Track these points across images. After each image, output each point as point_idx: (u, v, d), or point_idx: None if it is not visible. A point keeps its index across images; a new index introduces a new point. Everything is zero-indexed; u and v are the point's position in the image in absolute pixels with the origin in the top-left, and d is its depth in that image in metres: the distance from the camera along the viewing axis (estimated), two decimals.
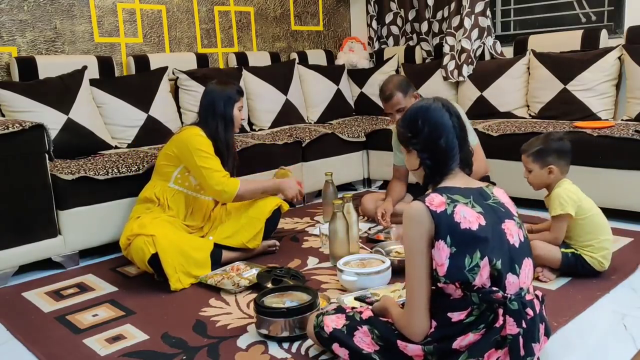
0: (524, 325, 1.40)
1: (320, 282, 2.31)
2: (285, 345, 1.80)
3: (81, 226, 2.69)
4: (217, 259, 2.48)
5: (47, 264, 2.63)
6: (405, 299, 1.50)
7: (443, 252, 1.39)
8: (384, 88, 2.78)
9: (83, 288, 2.40)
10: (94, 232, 2.73)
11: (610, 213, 2.90)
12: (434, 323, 1.46)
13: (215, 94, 2.60)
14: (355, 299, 2.00)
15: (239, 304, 2.14)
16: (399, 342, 1.49)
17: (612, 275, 2.22)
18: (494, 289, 1.41)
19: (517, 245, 1.46)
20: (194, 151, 2.45)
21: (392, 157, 3.12)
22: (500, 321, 1.41)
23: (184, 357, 1.76)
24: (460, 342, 1.42)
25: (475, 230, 1.40)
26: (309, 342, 1.79)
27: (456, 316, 1.43)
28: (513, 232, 1.47)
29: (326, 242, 2.68)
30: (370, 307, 1.70)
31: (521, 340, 1.40)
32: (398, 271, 2.26)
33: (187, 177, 2.55)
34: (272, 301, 1.90)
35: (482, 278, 1.40)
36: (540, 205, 2.48)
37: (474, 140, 2.76)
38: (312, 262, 2.57)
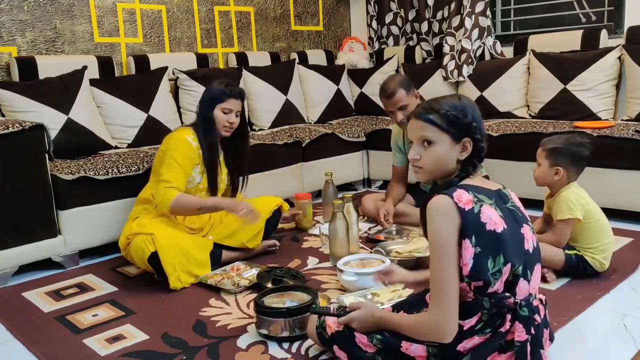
0: (532, 331, 1.40)
1: (320, 282, 2.31)
2: (285, 345, 1.80)
3: (81, 226, 2.69)
4: (217, 259, 2.48)
5: (47, 264, 2.63)
6: (433, 299, 1.40)
7: (468, 252, 1.36)
8: (385, 86, 2.77)
9: (83, 288, 2.40)
10: (94, 232, 2.73)
11: (610, 213, 2.90)
12: None
13: (204, 94, 2.56)
14: (316, 312, 1.70)
15: (239, 304, 2.14)
16: (403, 343, 1.47)
17: (612, 275, 2.22)
18: (507, 294, 1.40)
19: (530, 250, 1.45)
20: (167, 155, 2.42)
21: (392, 157, 3.11)
22: (507, 326, 1.40)
23: (184, 357, 1.76)
24: (465, 344, 1.41)
25: (500, 232, 1.38)
26: (309, 342, 1.79)
27: (467, 323, 1.41)
28: (528, 238, 1.46)
29: (326, 242, 2.68)
30: (337, 319, 1.60)
31: (529, 347, 1.39)
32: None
33: None
34: (272, 301, 1.90)
35: (500, 283, 1.40)
36: (538, 205, 2.48)
37: None
38: (312, 262, 2.57)
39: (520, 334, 1.39)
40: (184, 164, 2.42)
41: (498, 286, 1.39)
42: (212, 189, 2.54)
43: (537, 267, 1.48)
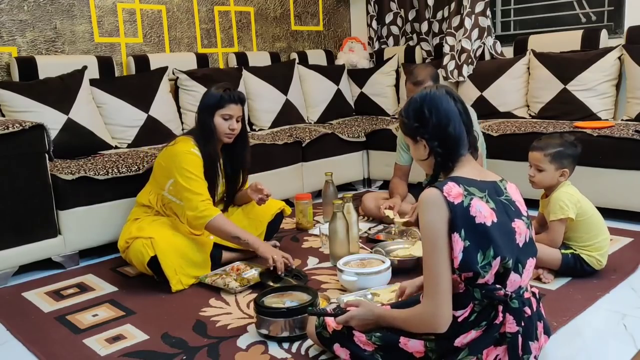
0: (522, 323, 1.41)
1: (320, 282, 2.31)
2: (285, 345, 1.80)
3: (81, 226, 2.69)
4: (217, 259, 2.47)
5: (47, 264, 2.63)
6: (426, 290, 1.42)
7: (458, 245, 1.37)
8: (417, 72, 2.76)
9: (83, 288, 2.40)
10: (94, 232, 2.73)
11: (610, 213, 2.91)
12: None
13: (203, 100, 2.45)
14: (313, 313, 1.72)
15: (239, 304, 2.14)
16: (402, 338, 1.48)
17: (612, 275, 2.23)
18: (497, 286, 1.41)
19: (521, 245, 1.46)
20: (178, 170, 2.34)
21: (396, 155, 3.11)
22: (500, 318, 1.41)
23: (184, 357, 1.76)
24: (462, 339, 1.42)
25: (489, 226, 1.38)
26: (309, 342, 1.79)
27: (460, 314, 1.42)
28: (521, 232, 1.46)
29: (326, 242, 2.68)
30: (335, 319, 1.61)
31: (520, 338, 1.40)
32: (398, 271, 2.26)
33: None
34: (272, 301, 1.90)
35: (490, 275, 1.40)
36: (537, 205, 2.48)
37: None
38: (312, 262, 2.57)
39: (511, 325, 1.40)
40: (201, 175, 2.37)
41: (488, 277, 1.40)
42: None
43: (530, 261, 1.48)
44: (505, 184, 1.53)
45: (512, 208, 1.48)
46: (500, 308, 1.41)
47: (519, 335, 1.40)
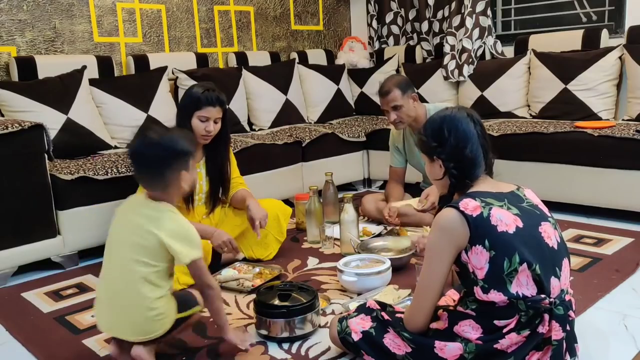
0: (567, 328, 1.39)
1: (320, 282, 2.30)
2: (285, 345, 1.79)
3: (80, 226, 2.68)
4: (217, 260, 2.46)
5: (46, 264, 2.63)
6: (414, 294, 1.51)
7: (482, 257, 1.37)
8: (382, 85, 2.78)
9: (82, 288, 2.40)
10: (94, 232, 2.71)
11: (611, 213, 2.91)
12: (479, 328, 1.42)
13: (181, 100, 2.43)
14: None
15: (238, 304, 2.13)
16: (437, 342, 1.46)
17: (613, 275, 2.22)
18: (542, 296, 1.39)
19: (555, 247, 1.44)
20: None
21: (390, 158, 3.10)
22: (546, 327, 1.38)
23: (184, 358, 1.76)
24: (503, 342, 1.40)
25: (512, 233, 1.38)
26: (309, 342, 1.79)
27: (506, 327, 1.40)
28: (550, 234, 1.45)
29: (326, 241, 2.68)
30: None
31: (564, 344, 1.38)
32: (396, 269, 2.26)
33: None
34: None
35: (520, 284, 1.38)
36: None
37: None
38: (312, 262, 2.57)
39: (557, 332, 1.38)
40: None
41: (521, 288, 1.38)
42: (186, 201, 2.42)
43: (565, 262, 1.47)
44: (522, 190, 1.54)
45: (536, 212, 1.47)
46: (547, 317, 1.39)
47: (564, 341, 1.38)
